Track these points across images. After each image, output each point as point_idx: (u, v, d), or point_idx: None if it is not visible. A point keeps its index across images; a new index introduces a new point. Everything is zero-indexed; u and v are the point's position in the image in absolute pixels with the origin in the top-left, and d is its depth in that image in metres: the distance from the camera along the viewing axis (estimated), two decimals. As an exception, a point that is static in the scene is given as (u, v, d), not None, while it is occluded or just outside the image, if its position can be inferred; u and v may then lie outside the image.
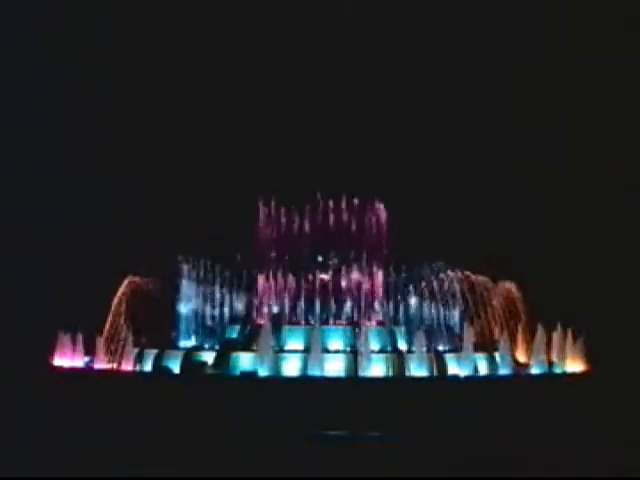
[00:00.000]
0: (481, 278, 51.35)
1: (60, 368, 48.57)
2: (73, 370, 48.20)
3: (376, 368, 44.25)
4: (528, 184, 69.00)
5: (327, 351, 45.40)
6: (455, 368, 45.26)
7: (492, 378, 45.75)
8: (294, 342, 47.22)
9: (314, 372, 43.29)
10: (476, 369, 45.77)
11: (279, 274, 51.30)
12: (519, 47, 70.12)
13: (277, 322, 48.97)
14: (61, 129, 70.55)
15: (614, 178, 68.92)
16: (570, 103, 68.87)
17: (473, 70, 70.79)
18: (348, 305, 50.89)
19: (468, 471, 29.78)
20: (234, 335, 49.85)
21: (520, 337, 50.35)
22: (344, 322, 50.11)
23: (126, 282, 51.26)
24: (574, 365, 48.72)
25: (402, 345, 47.90)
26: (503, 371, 46.29)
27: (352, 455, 33.48)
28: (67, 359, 49.34)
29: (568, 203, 69.10)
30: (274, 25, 69.73)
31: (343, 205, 52.44)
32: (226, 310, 51.98)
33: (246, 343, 47.36)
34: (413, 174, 66.91)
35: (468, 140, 70.04)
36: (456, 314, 50.93)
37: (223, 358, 45.67)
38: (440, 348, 48.00)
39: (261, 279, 51.90)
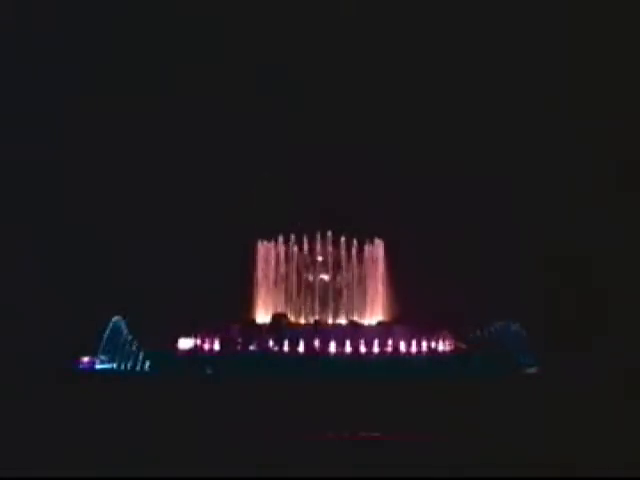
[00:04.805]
0: None
1: (61, 368, 48.54)
2: (73, 370, 48.21)
3: (375, 368, 44.29)
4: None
5: (327, 351, 45.42)
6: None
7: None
8: (294, 342, 47.20)
9: (314, 372, 43.31)
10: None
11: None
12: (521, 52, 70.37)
13: (277, 322, 49.00)
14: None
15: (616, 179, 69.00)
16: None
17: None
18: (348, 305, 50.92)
19: (468, 470, 29.75)
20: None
21: None
22: (344, 322, 50.18)
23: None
24: None
25: (402, 345, 47.91)
26: None
27: (352, 455, 33.45)
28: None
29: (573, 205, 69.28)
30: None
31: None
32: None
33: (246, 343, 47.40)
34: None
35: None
36: None
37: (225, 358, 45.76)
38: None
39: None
